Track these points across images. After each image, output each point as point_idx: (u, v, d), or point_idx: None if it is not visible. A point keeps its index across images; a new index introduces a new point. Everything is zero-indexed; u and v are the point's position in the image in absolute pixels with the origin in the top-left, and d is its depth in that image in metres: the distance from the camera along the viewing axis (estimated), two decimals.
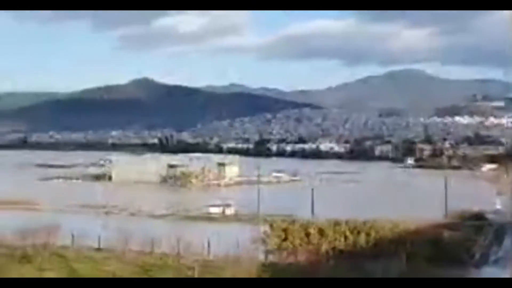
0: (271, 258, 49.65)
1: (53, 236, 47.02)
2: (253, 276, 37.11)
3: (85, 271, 41.35)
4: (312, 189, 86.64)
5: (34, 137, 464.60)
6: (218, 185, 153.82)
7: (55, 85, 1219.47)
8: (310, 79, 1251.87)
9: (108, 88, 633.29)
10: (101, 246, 50.82)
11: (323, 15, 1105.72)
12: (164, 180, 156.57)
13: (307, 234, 52.24)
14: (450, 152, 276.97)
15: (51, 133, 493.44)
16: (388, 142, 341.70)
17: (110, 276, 39.47)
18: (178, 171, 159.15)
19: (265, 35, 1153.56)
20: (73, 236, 50.63)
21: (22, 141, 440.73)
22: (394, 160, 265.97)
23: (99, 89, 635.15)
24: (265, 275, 39.14)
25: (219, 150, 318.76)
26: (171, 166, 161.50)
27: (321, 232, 52.52)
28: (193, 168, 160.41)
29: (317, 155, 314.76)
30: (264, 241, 51.97)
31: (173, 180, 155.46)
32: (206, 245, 48.64)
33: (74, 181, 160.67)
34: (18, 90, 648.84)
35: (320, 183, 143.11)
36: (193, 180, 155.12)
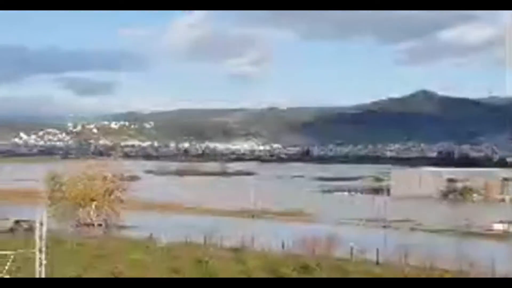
0: None
1: (333, 248, 47.77)
2: None
3: None
4: None
5: (315, 151, 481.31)
6: (503, 200, 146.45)
7: (338, 99, 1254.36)
8: None
9: (389, 102, 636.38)
10: (380, 261, 50.45)
11: None
12: (444, 194, 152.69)
13: None
14: None
15: (331, 146, 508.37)
16: None
17: None
18: (459, 185, 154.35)
19: None
20: (352, 249, 50.90)
21: (304, 154, 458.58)
22: None
23: (379, 102, 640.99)
24: None
25: (503, 164, 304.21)
26: (452, 181, 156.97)
27: None
28: (475, 183, 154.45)
29: None
30: None
31: (453, 195, 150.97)
32: (490, 263, 46.07)
33: (354, 194, 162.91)
34: (302, 104, 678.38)
35: None
36: (475, 195, 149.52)
